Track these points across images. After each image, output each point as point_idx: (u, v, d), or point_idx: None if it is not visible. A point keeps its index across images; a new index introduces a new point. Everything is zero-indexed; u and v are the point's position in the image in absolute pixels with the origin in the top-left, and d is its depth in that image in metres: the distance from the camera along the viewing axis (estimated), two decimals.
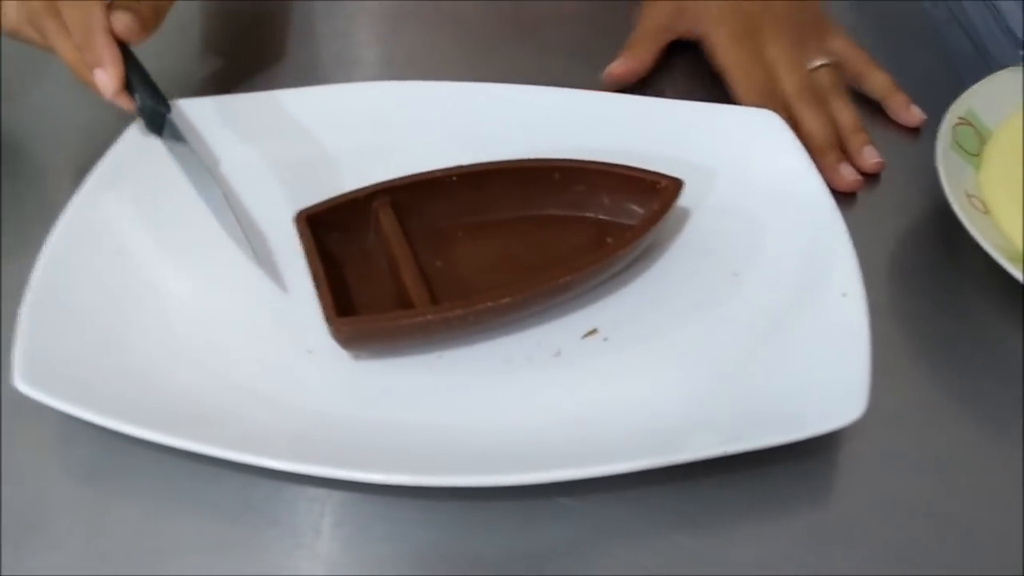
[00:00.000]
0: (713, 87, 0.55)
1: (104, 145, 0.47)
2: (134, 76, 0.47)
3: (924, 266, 0.47)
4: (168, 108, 0.48)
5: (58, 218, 0.43)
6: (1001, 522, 0.37)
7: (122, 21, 0.46)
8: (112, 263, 0.43)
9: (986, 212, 0.46)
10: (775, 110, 0.49)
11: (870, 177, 0.50)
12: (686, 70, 0.58)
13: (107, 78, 0.46)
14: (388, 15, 0.61)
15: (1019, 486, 0.38)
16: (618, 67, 0.55)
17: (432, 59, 0.58)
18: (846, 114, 0.52)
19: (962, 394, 0.42)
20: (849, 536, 0.37)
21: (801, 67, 0.53)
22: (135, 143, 0.48)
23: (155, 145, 0.48)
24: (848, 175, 0.49)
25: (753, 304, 0.43)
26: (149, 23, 0.48)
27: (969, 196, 0.46)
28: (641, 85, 0.56)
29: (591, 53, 0.58)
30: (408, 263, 0.42)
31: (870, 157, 0.50)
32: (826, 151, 0.50)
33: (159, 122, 0.48)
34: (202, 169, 0.46)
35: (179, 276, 0.44)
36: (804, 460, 0.38)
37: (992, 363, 0.43)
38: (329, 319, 0.40)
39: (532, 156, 0.47)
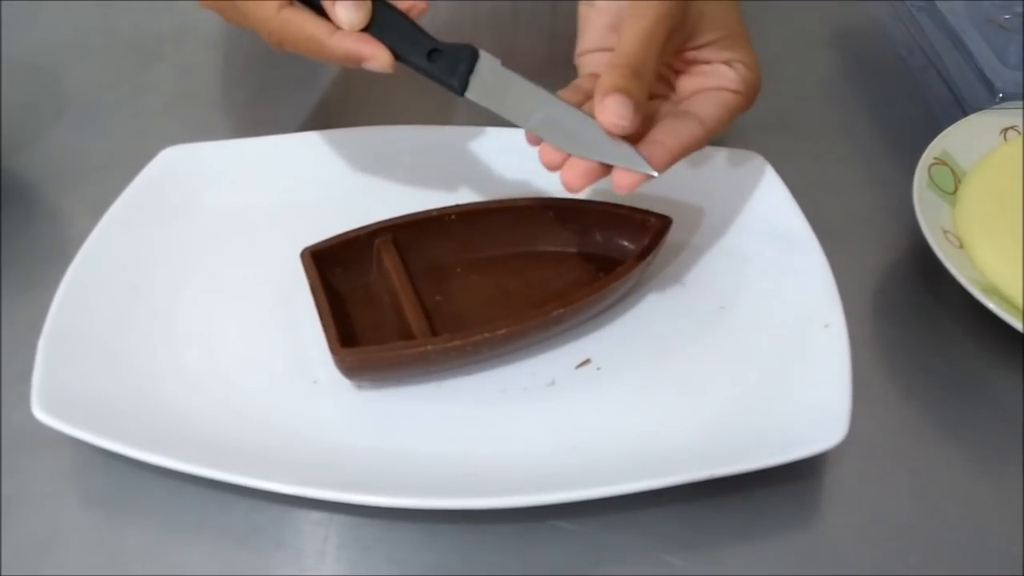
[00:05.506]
0: None
1: (116, 186, 0.48)
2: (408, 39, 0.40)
3: (903, 298, 0.48)
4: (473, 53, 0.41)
5: (74, 255, 0.44)
6: (982, 542, 0.38)
7: (344, 9, 0.40)
8: (126, 297, 0.44)
9: (961, 247, 0.47)
10: None
11: (854, 217, 0.52)
12: None
13: (376, 66, 0.40)
14: None
15: (998, 506, 0.39)
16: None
17: (431, 104, 0.58)
18: None
19: (940, 419, 0.43)
20: (834, 556, 0.38)
21: None
22: (149, 183, 0.48)
23: (168, 185, 0.49)
24: None
25: (739, 335, 0.44)
26: None
27: (945, 232, 0.47)
28: None
29: None
30: (409, 297, 0.43)
31: None
32: None
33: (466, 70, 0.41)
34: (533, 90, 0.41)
35: (190, 310, 0.45)
36: (790, 484, 0.39)
37: (968, 388, 0.44)
38: (333, 350, 0.40)
39: (527, 196, 0.48)
